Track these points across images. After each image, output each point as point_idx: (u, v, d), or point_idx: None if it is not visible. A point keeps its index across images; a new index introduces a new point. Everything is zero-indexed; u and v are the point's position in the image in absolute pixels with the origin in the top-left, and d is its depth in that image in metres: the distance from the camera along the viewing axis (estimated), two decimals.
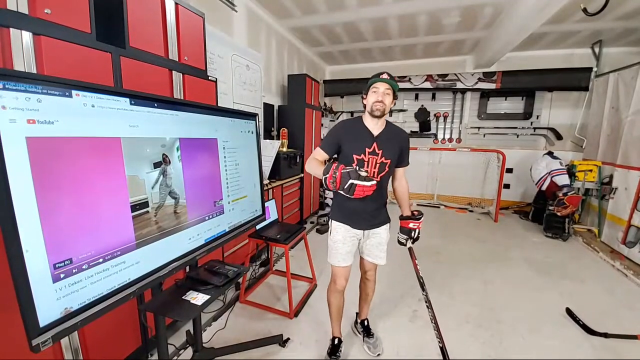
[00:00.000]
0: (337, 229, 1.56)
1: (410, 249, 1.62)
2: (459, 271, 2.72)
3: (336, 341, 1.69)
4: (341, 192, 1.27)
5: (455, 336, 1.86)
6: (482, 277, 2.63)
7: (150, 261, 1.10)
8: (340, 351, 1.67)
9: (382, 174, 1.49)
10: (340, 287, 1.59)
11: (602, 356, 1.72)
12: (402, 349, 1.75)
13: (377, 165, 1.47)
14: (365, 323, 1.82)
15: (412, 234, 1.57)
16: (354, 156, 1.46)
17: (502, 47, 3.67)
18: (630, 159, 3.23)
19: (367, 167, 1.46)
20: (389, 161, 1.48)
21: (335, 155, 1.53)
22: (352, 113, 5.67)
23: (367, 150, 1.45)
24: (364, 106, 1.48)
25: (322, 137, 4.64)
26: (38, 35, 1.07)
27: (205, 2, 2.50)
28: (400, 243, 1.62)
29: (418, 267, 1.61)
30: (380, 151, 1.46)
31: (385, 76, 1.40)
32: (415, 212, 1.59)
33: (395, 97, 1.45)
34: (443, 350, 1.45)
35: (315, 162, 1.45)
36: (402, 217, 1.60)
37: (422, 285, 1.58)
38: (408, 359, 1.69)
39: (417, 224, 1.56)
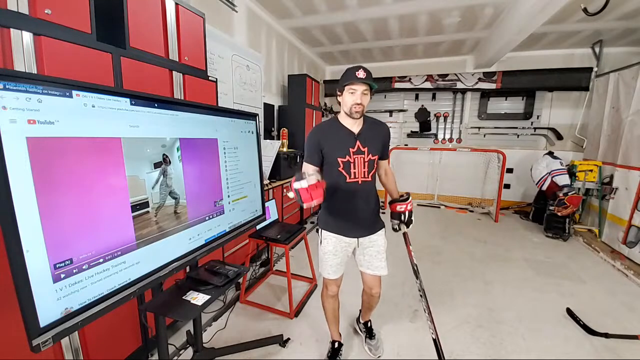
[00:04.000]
0: (328, 239, 1.48)
1: (404, 235, 1.56)
2: (459, 271, 2.72)
3: (336, 345, 1.67)
4: (304, 204, 1.19)
5: (456, 336, 1.86)
6: (482, 277, 2.63)
7: (151, 261, 1.10)
8: (341, 355, 1.66)
9: (372, 172, 1.43)
10: (332, 293, 1.56)
11: (603, 356, 1.71)
12: (403, 349, 1.75)
13: (366, 164, 1.39)
14: (369, 324, 1.80)
15: (402, 217, 1.50)
16: (339, 159, 1.38)
17: (502, 47, 3.66)
18: (631, 159, 3.23)
19: (355, 168, 1.38)
20: (375, 157, 1.42)
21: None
22: None
23: (351, 150, 1.37)
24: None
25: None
26: (38, 36, 1.07)
27: (205, 2, 2.50)
28: (394, 230, 1.56)
29: (412, 254, 1.56)
30: (366, 148, 1.39)
31: (361, 75, 1.27)
32: (404, 195, 1.53)
33: (372, 94, 1.37)
34: (436, 342, 1.46)
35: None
36: (390, 202, 1.56)
37: (415, 272, 1.53)
38: (408, 359, 1.69)
39: (404, 205, 1.50)
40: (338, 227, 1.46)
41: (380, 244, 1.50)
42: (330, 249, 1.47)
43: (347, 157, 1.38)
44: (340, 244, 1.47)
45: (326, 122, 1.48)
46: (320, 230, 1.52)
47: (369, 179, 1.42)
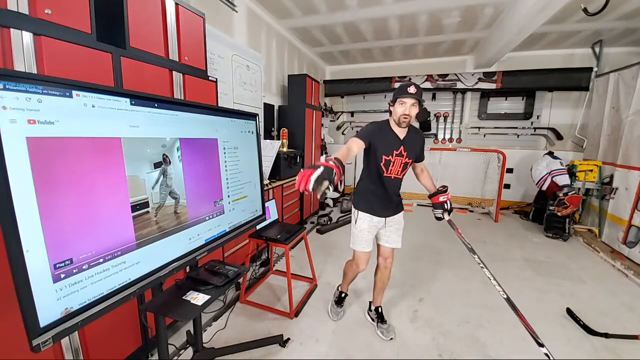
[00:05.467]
0: (364, 218, 1.75)
1: (449, 221, 1.74)
2: (459, 271, 2.72)
3: (342, 295, 2.05)
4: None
5: (456, 336, 1.86)
6: (482, 277, 2.62)
7: (151, 261, 1.10)
8: (344, 302, 2.06)
9: (404, 172, 1.71)
10: (361, 270, 1.85)
11: (603, 356, 1.72)
12: (403, 349, 1.75)
13: (402, 165, 1.67)
14: (379, 310, 1.94)
15: (445, 206, 1.71)
16: (383, 157, 1.63)
17: (502, 47, 3.66)
18: (631, 159, 3.22)
19: (393, 166, 1.65)
20: (410, 161, 1.69)
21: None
22: (352, 113, 5.67)
23: (394, 152, 1.63)
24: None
25: (322, 137, 4.66)
26: (38, 36, 1.07)
27: (205, 2, 2.50)
28: (438, 218, 1.75)
29: (462, 234, 1.73)
30: (406, 153, 1.65)
31: (412, 90, 1.50)
32: (441, 188, 1.73)
33: (421, 106, 1.57)
34: (510, 300, 1.59)
35: (344, 148, 1.42)
36: (430, 195, 1.76)
37: (471, 250, 1.73)
38: (408, 359, 1.69)
39: (446, 196, 1.71)
40: (372, 209, 1.74)
41: (401, 222, 1.81)
42: (365, 227, 1.75)
43: (390, 157, 1.64)
44: (372, 222, 1.76)
45: (380, 123, 1.67)
46: (357, 211, 1.78)
47: (400, 176, 1.71)
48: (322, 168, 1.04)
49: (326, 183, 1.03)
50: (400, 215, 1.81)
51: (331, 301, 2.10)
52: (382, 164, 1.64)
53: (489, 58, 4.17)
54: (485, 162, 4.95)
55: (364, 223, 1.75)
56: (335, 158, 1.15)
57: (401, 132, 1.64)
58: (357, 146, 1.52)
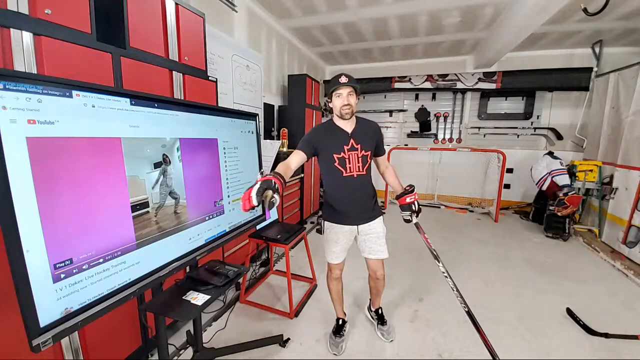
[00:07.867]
0: (330, 228, 1.65)
1: (417, 225, 1.63)
2: (459, 271, 2.72)
3: (340, 322, 1.82)
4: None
5: (456, 336, 1.86)
6: (482, 277, 2.62)
7: (151, 261, 1.10)
8: (345, 330, 1.80)
9: (366, 166, 1.56)
10: (335, 276, 1.73)
11: (603, 356, 1.71)
12: (403, 349, 1.75)
13: (360, 159, 1.54)
14: (380, 311, 1.90)
15: (413, 207, 1.59)
16: (335, 156, 1.53)
17: (502, 47, 3.67)
18: (631, 159, 3.22)
19: (350, 163, 1.53)
20: (368, 153, 1.56)
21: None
22: None
23: (345, 148, 1.53)
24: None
25: None
26: (38, 36, 1.07)
27: (205, 2, 2.50)
28: (406, 221, 1.63)
29: (429, 240, 1.63)
30: (359, 145, 1.53)
31: (344, 80, 1.45)
32: (407, 188, 1.61)
33: (357, 95, 1.51)
34: (470, 313, 1.53)
35: (283, 164, 1.36)
36: (397, 196, 1.63)
37: (436, 257, 1.63)
38: (408, 359, 1.69)
39: (412, 196, 1.58)
40: (338, 217, 1.61)
41: (379, 230, 1.64)
42: (332, 237, 1.63)
43: (342, 154, 1.52)
44: (341, 232, 1.62)
45: (324, 123, 1.61)
46: (323, 222, 1.68)
47: (364, 172, 1.55)
48: (259, 183, 1.06)
49: (270, 192, 1.05)
50: (377, 222, 1.64)
51: (329, 333, 1.82)
52: (336, 164, 1.52)
53: (489, 58, 4.17)
54: (485, 162, 4.95)
55: (330, 233, 1.64)
56: (274, 172, 1.17)
57: (348, 126, 1.54)
58: (296, 158, 1.43)
